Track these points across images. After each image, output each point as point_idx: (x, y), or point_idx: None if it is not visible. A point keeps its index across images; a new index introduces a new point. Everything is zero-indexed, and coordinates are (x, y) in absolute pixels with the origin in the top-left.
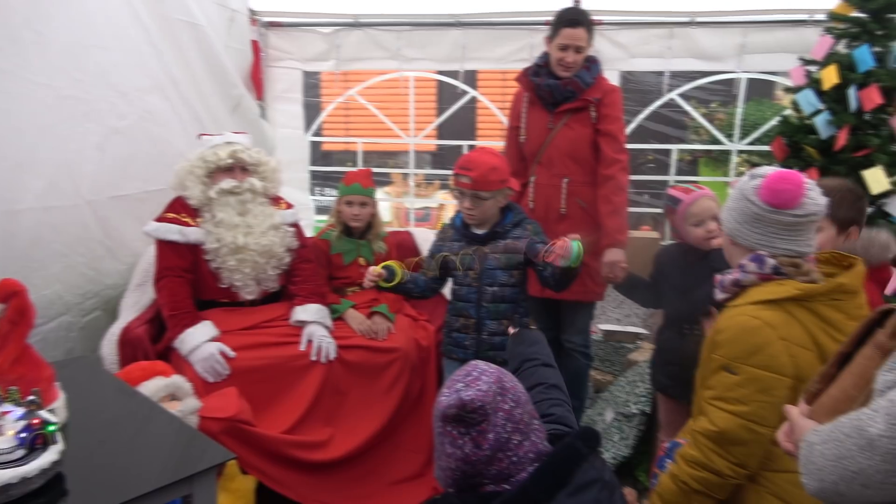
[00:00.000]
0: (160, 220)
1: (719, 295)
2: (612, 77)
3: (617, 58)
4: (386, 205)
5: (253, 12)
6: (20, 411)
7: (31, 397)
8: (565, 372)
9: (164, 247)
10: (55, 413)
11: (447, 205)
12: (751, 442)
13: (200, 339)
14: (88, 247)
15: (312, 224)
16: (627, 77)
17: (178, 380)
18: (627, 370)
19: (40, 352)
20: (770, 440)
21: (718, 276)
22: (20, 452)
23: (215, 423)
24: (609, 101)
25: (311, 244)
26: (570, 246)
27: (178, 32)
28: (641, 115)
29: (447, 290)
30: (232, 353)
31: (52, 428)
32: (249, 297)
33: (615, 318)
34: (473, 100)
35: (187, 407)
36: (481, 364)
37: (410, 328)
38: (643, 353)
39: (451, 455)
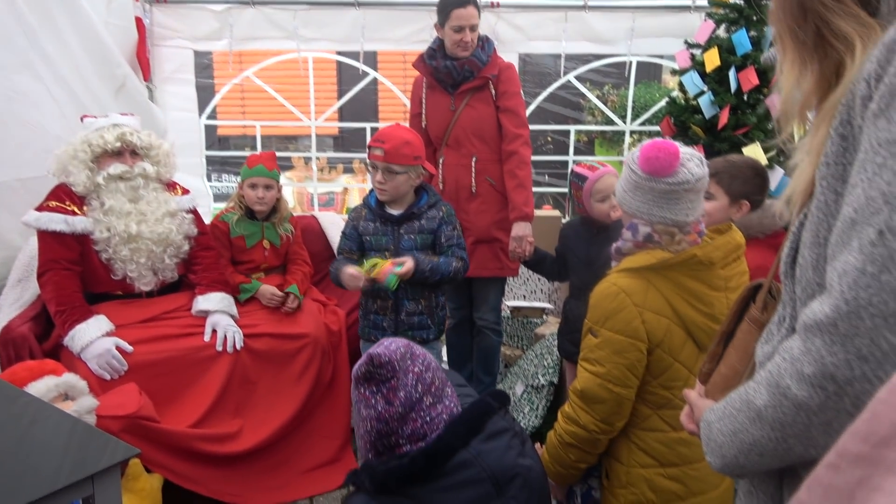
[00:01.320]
0: (41, 209)
1: (612, 263)
2: (511, 59)
3: (515, 39)
4: (288, 190)
5: None
6: None
7: None
8: (478, 350)
9: (48, 238)
10: None
11: (351, 189)
12: (609, 400)
13: (94, 335)
14: None
15: (210, 211)
16: (526, 59)
17: (70, 378)
18: (535, 344)
19: None
20: (627, 398)
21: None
22: None
23: (115, 422)
24: (505, 77)
25: (209, 230)
26: (389, 276)
27: (50, 6)
28: (540, 97)
29: None
30: (129, 348)
31: None
32: (146, 289)
33: (521, 294)
34: (375, 81)
35: (82, 406)
36: (394, 338)
37: (319, 313)
38: (549, 327)
39: (366, 418)
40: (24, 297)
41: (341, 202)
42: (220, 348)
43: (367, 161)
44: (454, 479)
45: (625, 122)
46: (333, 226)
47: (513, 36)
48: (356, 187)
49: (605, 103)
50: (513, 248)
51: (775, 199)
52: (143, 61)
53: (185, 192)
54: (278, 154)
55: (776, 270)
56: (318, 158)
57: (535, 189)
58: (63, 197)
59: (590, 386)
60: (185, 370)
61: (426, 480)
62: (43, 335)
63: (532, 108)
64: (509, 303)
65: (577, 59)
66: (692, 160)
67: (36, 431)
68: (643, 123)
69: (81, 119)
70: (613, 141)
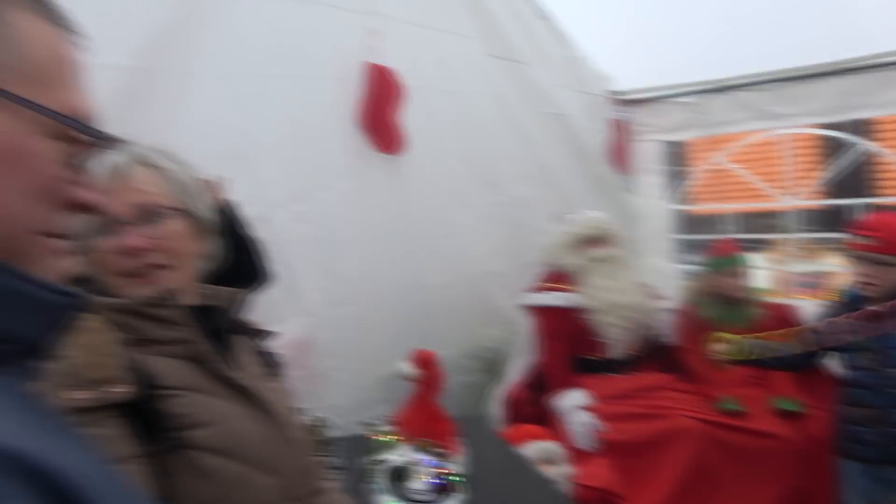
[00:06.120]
0: (538, 289)
1: None
2: None
3: None
4: (764, 272)
5: (615, 93)
6: (432, 460)
7: (440, 449)
8: None
9: (544, 313)
10: (458, 465)
11: (838, 272)
12: None
13: (574, 406)
14: (472, 316)
15: (677, 292)
16: None
17: (553, 446)
18: None
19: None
20: None
21: None
22: (431, 496)
23: (589, 492)
24: None
25: (678, 311)
26: None
27: (547, 125)
28: None
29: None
30: (602, 426)
31: (457, 478)
32: (623, 357)
33: None
34: (867, 152)
35: (562, 472)
36: None
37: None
38: None
39: None
40: (523, 365)
41: (824, 286)
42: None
43: (849, 251)
44: None
45: None
46: (812, 314)
47: None
48: (845, 271)
49: None
50: None
51: None
52: (620, 156)
53: (651, 274)
54: (754, 235)
55: None
56: (797, 238)
57: None
58: (554, 278)
59: None
60: (650, 452)
61: None
62: (535, 401)
63: None
64: None
65: None
66: None
67: (532, 488)
68: None
69: (561, 216)
70: None
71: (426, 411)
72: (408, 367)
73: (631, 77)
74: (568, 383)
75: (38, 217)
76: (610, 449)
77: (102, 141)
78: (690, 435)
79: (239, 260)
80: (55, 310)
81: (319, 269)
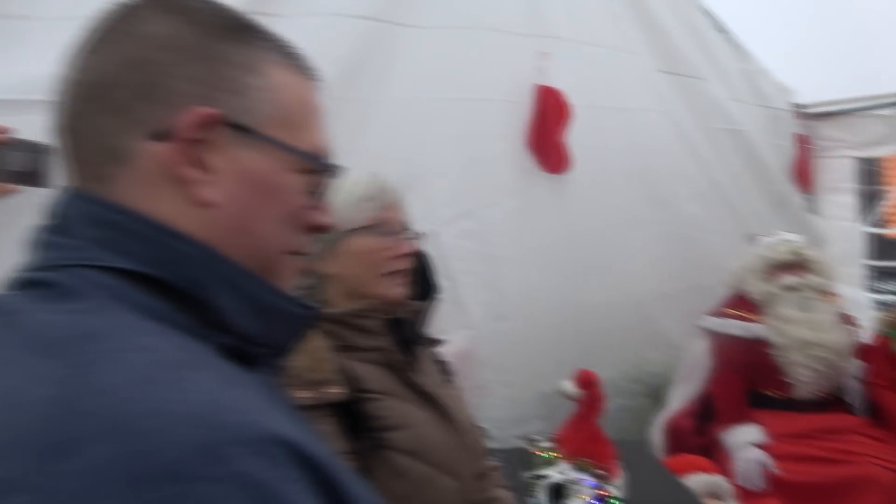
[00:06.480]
0: (718, 314)
1: None
2: None
3: None
4: None
5: (798, 106)
6: (593, 481)
7: (601, 471)
8: None
9: (724, 341)
10: (618, 488)
11: None
12: None
13: (745, 442)
14: (636, 338)
15: (869, 324)
16: None
17: (719, 479)
18: None
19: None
20: None
21: None
22: None
23: None
24: None
25: (870, 345)
26: None
27: (721, 140)
28: None
29: None
30: (774, 467)
31: (617, 501)
32: (809, 397)
33: None
34: None
35: None
36: None
37: None
38: None
39: None
40: (688, 392)
41: None
42: None
43: None
44: None
45: None
46: None
47: None
48: None
49: None
50: None
51: None
52: (803, 174)
53: (843, 302)
54: None
55: None
56: None
57: None
58: (739, 305)
59: None
60: (831, 499)
61: None
62: (699, 431)
63: None
64: None
65: None
66: None
67: None
68: None
69: (747, 236)
70: None
71: (587, 431)
72: (570, 386)
73: (815, 89)
74: (740, 418)
75: (287, 240)
76: (783, 490)
77: (336, 172)
78: (880, 485)
79: (415, 274)
80: (300, 320)
81: (483, 285)
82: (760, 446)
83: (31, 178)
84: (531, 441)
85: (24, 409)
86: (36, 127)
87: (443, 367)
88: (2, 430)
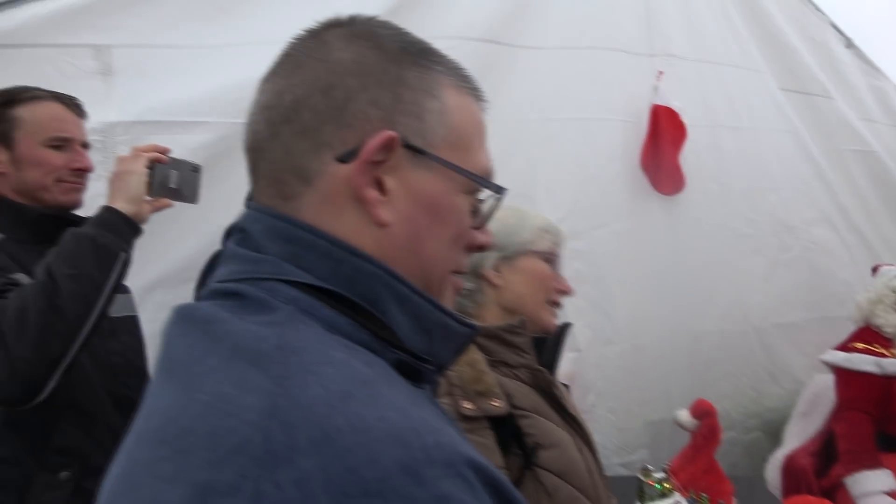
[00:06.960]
0: (846, 349)
1: None
2: None
3: None
4: None
5: None
6: None
7: None
8: None
9: (853, 377)
10: None
11: None
12: None
13: (875, 488)
14: (753, 370)
15: None
16: None
17: None
18: None
19: None
20: None
21: None
22: None
23: None
24: None
25: None
26: None
27: (849, 162)
28: None
29: None
30: None
31: None
32: None
33: None
34: None
35: None
36: None
37: None
38: None
39: None
40: (808, 430)
41: None
42: None
43: None
44: None
45: None
46: None
47: None
48: None
49: None
50: None
51: None
52: None
53: None
54: None
55: None
56: None
57: None
58: (870, 339)
59: None
60: None
61: None
62: (821, 470)
63: None
64: None
65: None
66: None
67: None
68: None
69: (875, 267)
70: None
71: (702, 464)
72: (686, 416)
73: None
74: (869, 462)
75: (452, 259)
76: None
77: (501, 193)
78: None
79: None
80: (462, 337)
81: (591, 307)
82: (893, 495)
83: (184, 194)
84: (645, 471)
85: (241, 418)
86: (190, 146)
87: (566, 392)
88: (223, 436)
